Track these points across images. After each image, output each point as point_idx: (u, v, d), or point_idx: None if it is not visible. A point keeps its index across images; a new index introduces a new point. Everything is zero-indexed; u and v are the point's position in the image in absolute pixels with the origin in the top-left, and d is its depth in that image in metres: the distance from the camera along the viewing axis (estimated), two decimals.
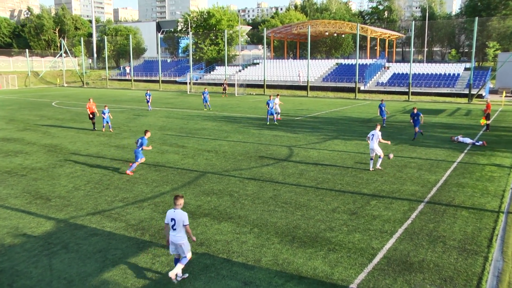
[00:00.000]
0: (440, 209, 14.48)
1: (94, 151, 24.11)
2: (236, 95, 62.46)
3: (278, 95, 37.44)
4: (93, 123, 31.44)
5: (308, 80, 62.57)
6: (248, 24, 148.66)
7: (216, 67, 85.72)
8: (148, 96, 43.16)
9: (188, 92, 67.06)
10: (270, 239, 12.04)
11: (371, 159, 19.58)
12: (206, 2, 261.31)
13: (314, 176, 18.53)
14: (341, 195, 16.03)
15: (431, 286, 9.73)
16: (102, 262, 10.87)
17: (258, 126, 32.12)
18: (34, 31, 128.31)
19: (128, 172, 19.08)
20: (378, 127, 19.70)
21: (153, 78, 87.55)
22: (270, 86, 68.42)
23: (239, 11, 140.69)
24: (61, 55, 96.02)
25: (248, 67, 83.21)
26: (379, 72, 69.54)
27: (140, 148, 18.96)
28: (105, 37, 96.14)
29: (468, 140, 25.94)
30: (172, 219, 9.66)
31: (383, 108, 32.10)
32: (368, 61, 74.41)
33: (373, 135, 19.22)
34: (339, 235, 12.37)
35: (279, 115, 35.20)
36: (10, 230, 12.93)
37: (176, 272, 9.77)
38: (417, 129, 26.77)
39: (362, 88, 63.11)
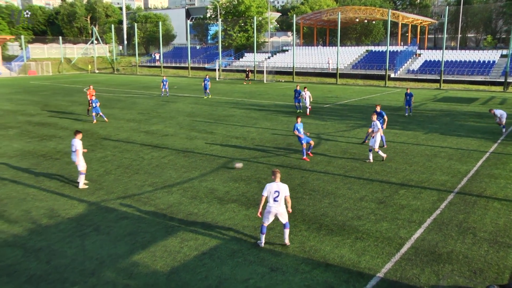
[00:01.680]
0: (470, 200, 14.23)
1: (124, 136, 24.48)
2: (265, 82, 62.33)
3: (305, 87, 34.29)
4: (88, 110, 31.49)
5: (337, 68, 61.93)
6: (278, 11, 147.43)
7: (245, 54, 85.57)
8: (164, 82, 43.33)
9: (217, 79, 67.23)
10: (297, 226, 12.08)
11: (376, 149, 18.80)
12: None
13: (342, 164, 18.44)
14: (369, 183, 15.92)
15: (460, 277, 9.59)
16: (132, 244, 11.10)
17: (287, 113, 32.03)
18: (67, 19, 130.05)
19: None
20: (374, 116, 18.93)
21: (182, 65, 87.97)
22: (299, 73, 67.96)
23: None
24: (92, 42, 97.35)
25: (277, 54, 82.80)
26: (410, 59, 68.30)
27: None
28: (135, 24, 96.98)
29: (502, 113, 24.49)
30: (276, 191, 10.50)
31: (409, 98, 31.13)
32: (399, 48, 73.13)
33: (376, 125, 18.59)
34: (367, 224, 12.32)
35: (307, 110, 32.28)
36: (46, 211, 13.33)
37: (287, 237, 10.93)
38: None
39: (392, 75, 62.09)
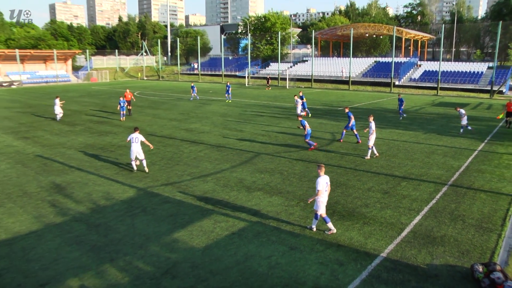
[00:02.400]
0: (461, 191, 13.97)
1: (167, 132, 24.74)
2: (287, 87, 62.01)
3: (296, 95, 31.94)
4: (129, 110, 31.95)
5: (349, 76, 61.21)
6: (299, 27, 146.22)
7: (271, 64, 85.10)
8: (193, 88, 43.66)
9: (246, 85, 67.16)
10: (313, 213, 12.04)
11: (371, 148, 18.44)
12: (262, 8, 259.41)
13: (353, 159, 18.26)
14: (376, 176, 15.74)
15: (450, 257, 9.48)
16: (173, 224, 11.26)
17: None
18: (122, 35, 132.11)
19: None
20: (372, 118, 18.51)
21: (217, 73, 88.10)
22: (316, 81, 67.34)
23: (291, 15, 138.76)
24: (142, 54, 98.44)
25: (298, 63, 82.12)
26: (412, 69, 66.99)
27: None
28: (178, 38, 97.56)
29: (464, 121, 24.34)
30: (326, 183, 10.66)
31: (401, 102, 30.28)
32: (403, 59, 71.75)
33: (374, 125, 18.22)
34: (373, 211, 12.21)
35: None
36: (104, 194, 13.63)
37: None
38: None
39: (396, 83, 61.02)
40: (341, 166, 17.22)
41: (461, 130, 24.70)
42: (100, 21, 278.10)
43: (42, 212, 12.21)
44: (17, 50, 75.22)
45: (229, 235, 10.59)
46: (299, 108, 30.60)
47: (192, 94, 43.67)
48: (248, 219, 11.57)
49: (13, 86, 71.40)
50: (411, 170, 16.53)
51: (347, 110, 22.07)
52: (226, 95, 42.55)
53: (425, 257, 9.49)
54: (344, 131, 22.44)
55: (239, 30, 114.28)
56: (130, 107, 32.26)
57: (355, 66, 72.04)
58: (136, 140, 16.37)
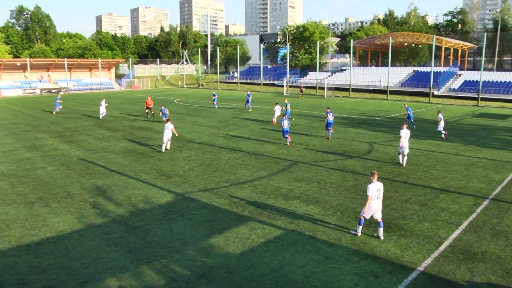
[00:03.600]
0: (504, 206, 13.35)
1: (206, 139, 25.06)
2: (325, 97, 61.58)
3: (277, 103, 34.39)
4: (151, 113, 35.91)
5: (388, 85, 60.12)
6: (337, 36, 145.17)
7: (309, 73, 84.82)
8: (214, 96, 44.61)
9: (285, 94, 67.23)
10: (350, 222, 11.85)
11: (403, 154, 18.72)
12: (301, 17, 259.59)
13: (391, 170, 17.87)
14: (413, 187, 15.32)
15: (493, 275, 9.03)
16: (210, 229, 11.35)
17: (344, 124, 31.48)
18: (163, 45, 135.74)
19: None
20: (405, 126, 18.97)
21: (256, 81, 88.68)
22: (354, 90, 66.51)
23: (329, 25, 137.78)
24: (182, 63, 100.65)
25: (336, 73, 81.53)
26: (451, 79, 65.02)
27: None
28: (218, 47, 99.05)
29: (441, 127, 25.35)
30: (378, 190, 10.62)
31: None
32: (442, 69, 69.81)
33: (406, 134, 18.58)
34: (410, 223, 11.87)
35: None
36: (143, 198, 13.94)
37: (382, 233, 10.89)
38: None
39: (435, 93, 59.38)
40: (378, 176, 16.82)
41: (443, 135, 25.42)
42: (143, 31, 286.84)
43: (84, 213, 12.63)
44: (65, 59, 78.74)
45: (265, 242, 10.56)
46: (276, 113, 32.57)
47: (214, 103, 44.19)
48: (284, 227, 11.50)
49: (61, 93, 74.55)
50: (449, 183, 15.98)
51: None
52: (246, 104, 41.84)
53: (465, 273, 9.10)
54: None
55: (278, 40, 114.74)
56: (153, 112, 36.12)
57: (394, 75, 70.72)
58: (168, 127, 21.44)
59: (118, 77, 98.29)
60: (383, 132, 28.08)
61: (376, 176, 10.72)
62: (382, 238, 10.83)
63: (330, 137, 25.43)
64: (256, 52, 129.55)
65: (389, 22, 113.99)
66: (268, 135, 26.58)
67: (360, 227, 10.94)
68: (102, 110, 34.94)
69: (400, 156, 18.92)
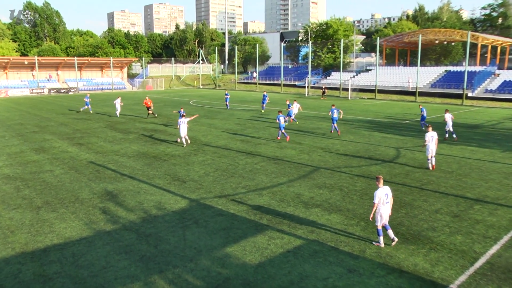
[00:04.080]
0: None
1: (222, 143, 25.13)
2: (349, 98, 61.26)
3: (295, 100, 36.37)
4: (150, 113, 37.12)
5: (417, 86, 59.31)
6: (362, 34, 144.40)
7: (332, 73, 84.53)
8: (227, 96, 45.74)
9: (306, 95, 67.09)
10: (375, 233, 11.67)
11: (430, 159, 18.97)
12: (324, 14, 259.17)
13: (419, 177, 17.59)
14: (445, 197, 15.01)
15: None
16: (226, 238, 11.33)
17: (369, 128, 31.22)
18: (179, 43, 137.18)
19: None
20: (430, 128, 19.18)
21: (275, 82, 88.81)
22: (381, 91, 65.92)
23: (354, 22, 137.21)
24: (198, 62, 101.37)
25: (361, 73, 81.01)
26: (488, 79, 63.67)
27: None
28: (236, 46, 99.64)
29: (449, 124, 26.24)
30: (386, 194, 10.77)
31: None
32: (478, 68, 68.50)
33: (432, 136, 18.72)
34: (441, 236, 11.61)
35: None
36: (155, 204, 14.03)
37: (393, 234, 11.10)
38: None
39: (470, 94, 58.22)
40: (406, 184, 16.62)
41: (446, 136, 26.33)
42: (157, 29, 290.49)
43: (93, 218, 12.76)
44: (75, 58, 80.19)
45: (284, 253, 10.48)
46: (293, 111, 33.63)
47: (227, 103, 45.37)
48: (305, 237, 11.41)
49: (70, 93, 75.96)
50: (486, 192, 15.60)
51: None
52: (262, 105, 42.27)
53: None
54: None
55: (300, 38, 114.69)
56: (151, 112, 37.26)
57: (423, 75, 69.73)
58: (183, 122, 23.86)
59: (131, 77, 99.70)
60: (411, 136, 27.70)
61: (381, 181, 10.83)
62: (396, 240, 11.03)
63: (339, 132, 28.10)
64: (276, 51, 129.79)
65: (419, 18, 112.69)
66: (290, 139, 26.48)
67: (381, 237, 10.97)
68: (118, 108, 38.83)
69: (430, 161, 18.99)
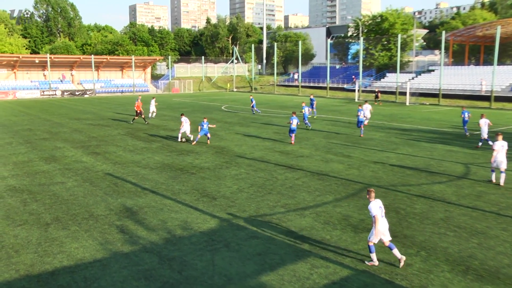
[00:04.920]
0: None
1: (259, 155, 25.18)
2: (407, 104, 60.40)
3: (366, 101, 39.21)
4: (140, 117, 38.83)
5: (492, 90, 57.73)
6: (425, 27, 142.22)
7: (387, 74, 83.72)
8: (253, 101, 47.92)
9: (356, 100, 66.65)
10: (439, 266, 11.33)
11: (498, 171, 18.86)
12: (379, 5, 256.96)
13: (496, 200, 16.99)
14: None
15: None
16: (261, 265, 11.27)
17: (431, 139, 30.62)
18: (210, 40, 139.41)
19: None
20: (501, 137, 19.08)
21: (321, 85, 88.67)
22: (446, 96, 64.48)
23: (414, 13, 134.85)
24: (232, 62, 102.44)
25: (422, 74, 79.80)
26: None
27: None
28: (275, 43, 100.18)
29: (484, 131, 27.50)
30: (380, 207, 11.19)
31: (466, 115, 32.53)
32: None
33: (502, 146, 18.52)
34: None
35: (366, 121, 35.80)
36: (180, 223, 14.14)
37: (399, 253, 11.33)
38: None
39: None
40: (477, 208, 16.09)
41: (480, 144, 27.57)
42: (185, 24, 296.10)
43: (109, 238, 12.97)
44: (92, 56, 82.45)
45: (328, 284, 10.33)
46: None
47: (254, 108, 46.83)
48: (353, 267, 11.22)
49: (86, 96, 78.20)
50: None
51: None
52: (313, 110, 44.00)
53: None
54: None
55: (349, 33, 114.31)
56: (144, 116, 38.89)
57: (501, 76, 67.71)
58: (187, 121, 29.12)
59: (155, 78, 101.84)
60: (484, 150, 26.92)
61: (373, 194, 11.28)
62: (404, 260, 11.19)
63: (362, 135, 31.64)
64: (322, 48, 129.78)
65: (498, 5, 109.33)
66: (335, 151, 26.30)
67: (373, 254, 11.25)
68: (152, 109, 42.39)
69: (494, 174, 18.90)
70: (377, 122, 40.34)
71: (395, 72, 73.50)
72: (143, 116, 38.72)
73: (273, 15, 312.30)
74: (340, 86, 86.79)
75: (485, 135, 27.36)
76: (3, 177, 20.24)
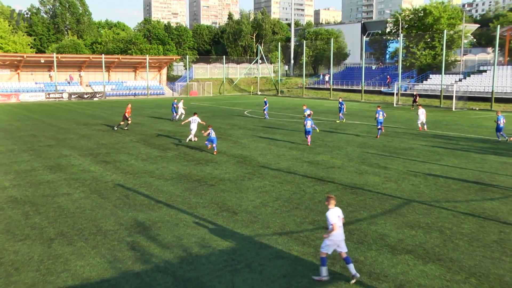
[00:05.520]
0: None
1: (285, 165, 25.15)
2: (453, 109, 59.74)
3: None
4: (125, 124, 39.74)
5: None
6: (475, 22, 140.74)
7: (431, 76, 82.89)
8: (265, 104, 49.39)
9: (395, 105, 66.18)
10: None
11: None
12: None
13: None
14: None
15: None
16: None
17: (481, 150, 30.19)
18: (232, 37, 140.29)
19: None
20: None
21: (355, 88, 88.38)
22: (500, 100, 63.39)
23: (463, 5, 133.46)
24: (256, 62, 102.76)
25: (472, 75, 78.78)
26: None
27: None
28: (304, 41, 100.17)
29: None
30: (339, 216, 11.56)
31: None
32: None
33: None
34: None
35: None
36: (197, 240, 14.17)
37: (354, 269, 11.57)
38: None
39: None
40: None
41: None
42: (205, 20, 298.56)
43: (119, 256, 13.06)
44: (103, 56, 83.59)
45: None
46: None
47: (264, 112, 48.57)
48: None
49: (95, 99, 79.31)
50: None
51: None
52: (340, 113, 46.22)
53: None
54: None
55: (387, 30, 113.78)
56: (122, 122, 39.92)
57: None
58: (194, 121, 31.81)
59: (171, 79, 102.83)
60: None
61: (333, 201, 11.60)
62: (358, 276, 11.42)
63: (378, 136, 34.94)
64: (356, 47, 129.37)
65: None
66: (370, 161, 26.14)
67: (324, 268, 11.50)
68: (180, 111, 46.53)
69: None
70: (417, 130, 39.93)
71: (440, 73, 72.78)
72: (127, 122, 39.82)
73: (302, 10, 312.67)
74: (376, 89, 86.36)
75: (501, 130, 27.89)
76: (3, 187, 20.60)
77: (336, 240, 11.42)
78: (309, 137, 31.42)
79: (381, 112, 35.13)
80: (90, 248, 13.61)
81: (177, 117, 46.50)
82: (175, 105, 47.26)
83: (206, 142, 28.85)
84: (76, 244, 13.93)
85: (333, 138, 34.79)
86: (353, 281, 11.32)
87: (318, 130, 36.68)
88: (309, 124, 31.23)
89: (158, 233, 14.79)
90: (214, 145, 28.33)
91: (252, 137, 34.78)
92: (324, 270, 11.50)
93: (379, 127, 35.17)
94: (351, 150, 29.71)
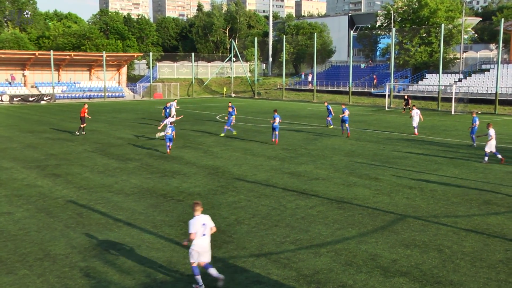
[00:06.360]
0: None
1: (263, 177, 25.18)
2: (452, 113, 60.48)
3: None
4: (81, 127, 40.86)
5: None
6: (476, 15, 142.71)
7: (427, 75, 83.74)
8: (233, 109, 44.17)
9: (387, 108, 66.78)
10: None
11: None
12: None
13: None
14: None
15: None
16: None
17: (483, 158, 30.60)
18: (202, 32, 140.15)
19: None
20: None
21: (341, 89, 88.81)
22: (504, 102, 64.30)
23: None
24: (230, 59, 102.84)
25: (473, 75, 79.84)
26: None
27: None
28: (284, 36, 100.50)
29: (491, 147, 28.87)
30: (204, 224, 12.17)
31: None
32: None
33: None
34: None
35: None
36: (163, 264, 14.10)
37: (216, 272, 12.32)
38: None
39: None
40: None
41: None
42: (171, 12, 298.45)
43: (70, 284, 12.87)
44: (51, 52, 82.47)
45: None
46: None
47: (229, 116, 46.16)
48: None
49: (42, 102, 78.44)
50: None
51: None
52: (328, 118, 47.01)
53: None
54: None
55: (378, 23, 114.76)
56: (83, 125, 40.95)
57: None
58: (171, 126, 31.53)
59: (132, 80, 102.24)
60: None
61: (198, 208, 12.23)
62: (222, 277, 12.21)
63: (349, 134, 39.33)
64: (343, 43, 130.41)
65: None
66: (360, 172, 26.32)
67: (198, 276, 12.17)
68: (174, 112, 46.21)
69: None
70: (414, 136, 40.35)
71: (437, 72, 73.61)
72: (84, 124, 41.05)
73: (282, 0, 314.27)
74: (366, 90, 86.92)
75: (492, 148, 28.46)
76: None
77: (198, 250, 12.07)
78: (277, 133, 35.07)
79: (347, 110, 41.01)
80: (36, 277, 13.37)
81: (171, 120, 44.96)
82: (167, 109, 46.65)
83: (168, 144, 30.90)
84: (18, 273, 13.63)
85: (317, 146, 34.93)
86: (220, 282, 12.21)
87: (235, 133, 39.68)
88: (277, 120, 34.87)
89: (117, 257, 14.65)
90: (169, 144, 30.72)
91: (225, 145, 34.76)
92: (199, 279, 12.13)
93: (344, 125, 40.50)
94: (337, 159, 29.85)
